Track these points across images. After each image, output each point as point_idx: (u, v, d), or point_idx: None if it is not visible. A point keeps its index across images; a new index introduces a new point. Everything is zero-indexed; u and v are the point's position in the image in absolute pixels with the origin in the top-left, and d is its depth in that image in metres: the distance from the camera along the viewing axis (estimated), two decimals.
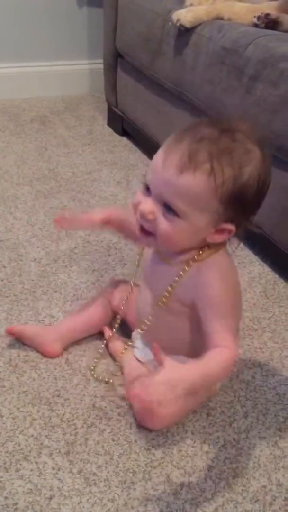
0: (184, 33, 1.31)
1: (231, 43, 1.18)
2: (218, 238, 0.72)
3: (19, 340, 0.96)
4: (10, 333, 0.95)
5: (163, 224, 0.70)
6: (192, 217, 0.69)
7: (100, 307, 0.97)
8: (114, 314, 0.98)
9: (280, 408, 0.88)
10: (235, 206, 0.69)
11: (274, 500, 0.75)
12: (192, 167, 0.65)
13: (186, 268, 0.75)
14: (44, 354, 0.93)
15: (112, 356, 0.94)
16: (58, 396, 0.87)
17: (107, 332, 0.95)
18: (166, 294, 0.78)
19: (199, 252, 0.75)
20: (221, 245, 0.75)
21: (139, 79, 1.63)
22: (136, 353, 0.91)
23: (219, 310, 0.73)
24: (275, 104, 1.06)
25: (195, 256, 0.75)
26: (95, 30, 2.03)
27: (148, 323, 0.83)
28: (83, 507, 0.72)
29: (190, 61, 1.31)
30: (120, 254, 1.22)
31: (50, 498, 0.73)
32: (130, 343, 0.92)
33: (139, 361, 0.89)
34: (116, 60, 1.75)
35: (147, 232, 0.73)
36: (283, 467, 0.79)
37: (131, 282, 0.93)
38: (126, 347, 0.91)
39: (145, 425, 0.82)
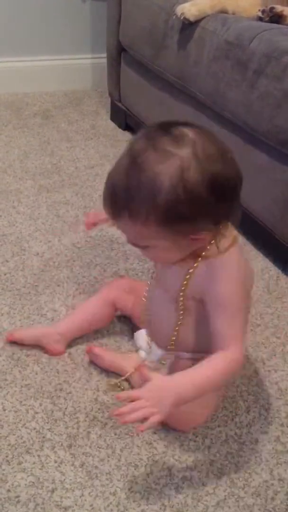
0: (188, 26, 1.30)
1: (235, 37, 1.17)
2: (199, 243, 0.71)
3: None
4: (9, 341, 0.94)
5: (144, 253, 0.75)
6: (156, 244, 0.70)
7: (103, 306, 0.96)
8: (119, 311, 0.98)
9: (282, 403, 0.88)
10: (178, 224, 0.66)
11: (276, 494, 0.75)
12: (118, 218, 0.69)
13: (194, 265, 0.74)
14: (48, 354, 0.93)
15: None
16: (61, 390, 0.87)
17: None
18: (181, 294, 0.77)
19: (204, 249, 0.73)
20: (233, 239, 0.74)
21: (142, 73, 1.62)
22: (141, 354, 0.90)
23: (227, 309, 0.72)
24: (279, 98, 1.06)
25: (203, 253, 0.73)
26: (99, 24, 2.02)
27: (174, 334, 0.81)
28: (85, 500, 0.72)
29: (194, 55, 1.30)
30: (123, 249, 1.22)
31: (52, 491, 0.73)
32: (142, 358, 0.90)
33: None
34: (120, 54, 1.74)
35: None
36: (285, 462, 0.79)
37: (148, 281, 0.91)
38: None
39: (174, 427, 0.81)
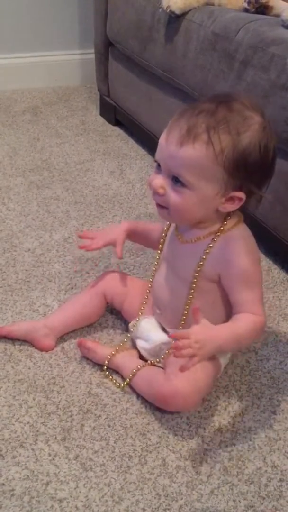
0: (175, 19, 1.30)
1: (222, 28, 1.17)
2: (230, 207, 0.75)
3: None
4: None
5: (173, 196, 0.74)
6: (199, 186, 0.72)
7: (94, 299, 0.96)
8: (109, 305, 0.98)
9: (274, 392, 0.88)
10: (239, 172, 0.71)
11: (269, 481, 0.75)
12: (191, 139, 0.70)
13: (214, 239, 0.78)
14: (38, 349, 0.93)
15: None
16: (54, 384, 0.87)
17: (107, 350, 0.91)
18: (196, 275, 0.79)
19: (222, 223, 0.78)
20: (240, 217, 0.79)
21: (130, 68, 1.62)
22: (138, 343, 0.90)
23: (249, 281, 0.77)
24: (265, 89, 1.06)
25: (221, 228, 0.77)
26: (86, 19, 2.02)
27: (185, 312, 0.83)
28: (80, 492, 0.72)
29: (181, 48, 1.30)
30: None
31: (47, 483, 0.73)
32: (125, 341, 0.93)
33: (141, 353, 0.90)
34: (108, 49, 1.74)
35: (162, 206, 0.77)
36: (277, 449, 0.79)
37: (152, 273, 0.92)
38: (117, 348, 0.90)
39: (166, 407, 0.81)
